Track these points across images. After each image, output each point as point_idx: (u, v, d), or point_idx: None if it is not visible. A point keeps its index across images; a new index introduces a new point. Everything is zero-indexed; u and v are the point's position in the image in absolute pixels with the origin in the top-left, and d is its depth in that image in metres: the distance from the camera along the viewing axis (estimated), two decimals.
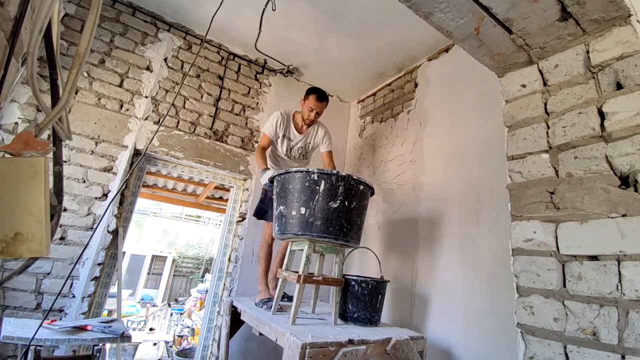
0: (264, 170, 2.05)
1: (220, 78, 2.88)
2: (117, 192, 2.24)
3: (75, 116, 2.22)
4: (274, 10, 2.37)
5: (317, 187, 1.65)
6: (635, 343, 0.85)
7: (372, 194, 1.91)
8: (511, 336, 1.47)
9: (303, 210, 1.65)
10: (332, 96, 3.53)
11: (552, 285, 1.05)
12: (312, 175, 1.67)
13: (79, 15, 2.33)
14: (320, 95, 2.25)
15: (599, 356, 0.90)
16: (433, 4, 1.12)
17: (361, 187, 1.74)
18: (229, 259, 2.76)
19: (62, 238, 2.06)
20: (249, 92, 3.02)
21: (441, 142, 2.38)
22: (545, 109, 1.21)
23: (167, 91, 2.60)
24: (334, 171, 1.67)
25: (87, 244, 1.66)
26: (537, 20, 1.12)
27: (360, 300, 1.74)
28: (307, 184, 1.67)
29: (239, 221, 2.83)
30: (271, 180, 1.91)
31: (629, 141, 0.97)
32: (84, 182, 2.18)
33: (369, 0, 2.24)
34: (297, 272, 1.64)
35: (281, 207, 1.77)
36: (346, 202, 1.67)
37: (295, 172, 1.73)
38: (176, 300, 8.84)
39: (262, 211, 2.30)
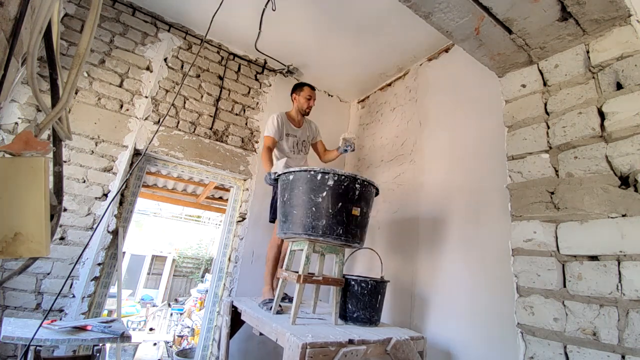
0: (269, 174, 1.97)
1: (220, 78, 2.88)
2: (117, 192, 2.24)
3: (75, 116, 2.22)
4: (274, 10, 2.37)
5: (318, 187, 1.65)
6: (635, 343, 0.85)
7: (377, 194, 1.90)
8: (511, 336, 1.47)
9: (303, 209, 1.65)
10: (332, 96, 3.54)
11: (552, 285, 1.05)
12: (314, 175, 1.67)
13: (79, 15, 2.33)
14: (311, 85, 2.54)
15: (599, 356, 0.90)
16: (433, 4, 1.12)
17: (364, 187, 1.73)
18: (229, 259, 2.76)
19: (62, 238, 2.06)
20: (249, 92, 3.02)
21: (441, 142, 2.38)
22: (545, 109, 1.21)
23: (167, 91, 2.60)
24: (337, 170, 1.67)
25: (87, 244, 1.66)
26: (537, 20, 1.12)
27: (360, 300, 1.74)
28: (307, 184, 1.67)
29: (239, 221, 2.83)
30: (276, 180, 1.90)
31: (629, 141, 0.97)
32: (84, 182, 2.18)
33: (369, 0, 2.24)
34: (297, 272, 1.64)
35: (282, 207, 1.77)
36: (348, 202, 1.66)
37: (297, 171, 1.72)
38: (176, 300, 8.85)
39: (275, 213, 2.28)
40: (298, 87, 2.51)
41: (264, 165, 2.19)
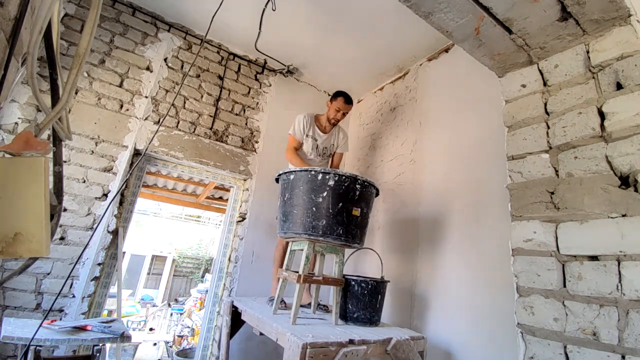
0: None
1: (220, 78, 2.88)
2: (117, 192, 2.24)
3: (75, 116, 2.22)
4: (274, 10, 2.37)
5: (319, 187, 1.65)
6: (635, 343, 0.85)
7: (377, 194, 1.90)
8: (511, 336, 1.47)
9: (304, 209, 1.65)
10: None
11: (552, 285, 1.05)
12: (314, 175, 1.67)
13: (79, 15, 2.33)
14: (347, 99, 2.44)
15: (599, 356, 0.90)
16: (433, 4, 1.12)
17: (365, 188, 1.74)
18: (229, 259, 2.76)
19: (62, 238, 2.06)
20: (249, 92, 3.02)
21: (441, 142, 2.37)
22: (545, 109, 1.21)
23: (167, 91, 2.60)
24: (337, 171, 1.67)
25: (87, 244, 1.66)
26: (537, 20, 1.12)
27: (360, 300, 1.74)
28: (308, 184, 1.67)
29: (239, 221, 2.83)
30: (277, 180, 1.91)
31: (629, 141, 0.97)
32: (84, 182, 2.18)
33: (369, 0, 2.24)
34: (297, 272, 1.64)
35: (283, 206, 1.77)
36: (348, 203, 1.66)
37: (298, 171, 1.72)
38: (176, 300, 8.85)
39: None
40: (335, 96, 2.46)
41: (294, 163, 2.27)
